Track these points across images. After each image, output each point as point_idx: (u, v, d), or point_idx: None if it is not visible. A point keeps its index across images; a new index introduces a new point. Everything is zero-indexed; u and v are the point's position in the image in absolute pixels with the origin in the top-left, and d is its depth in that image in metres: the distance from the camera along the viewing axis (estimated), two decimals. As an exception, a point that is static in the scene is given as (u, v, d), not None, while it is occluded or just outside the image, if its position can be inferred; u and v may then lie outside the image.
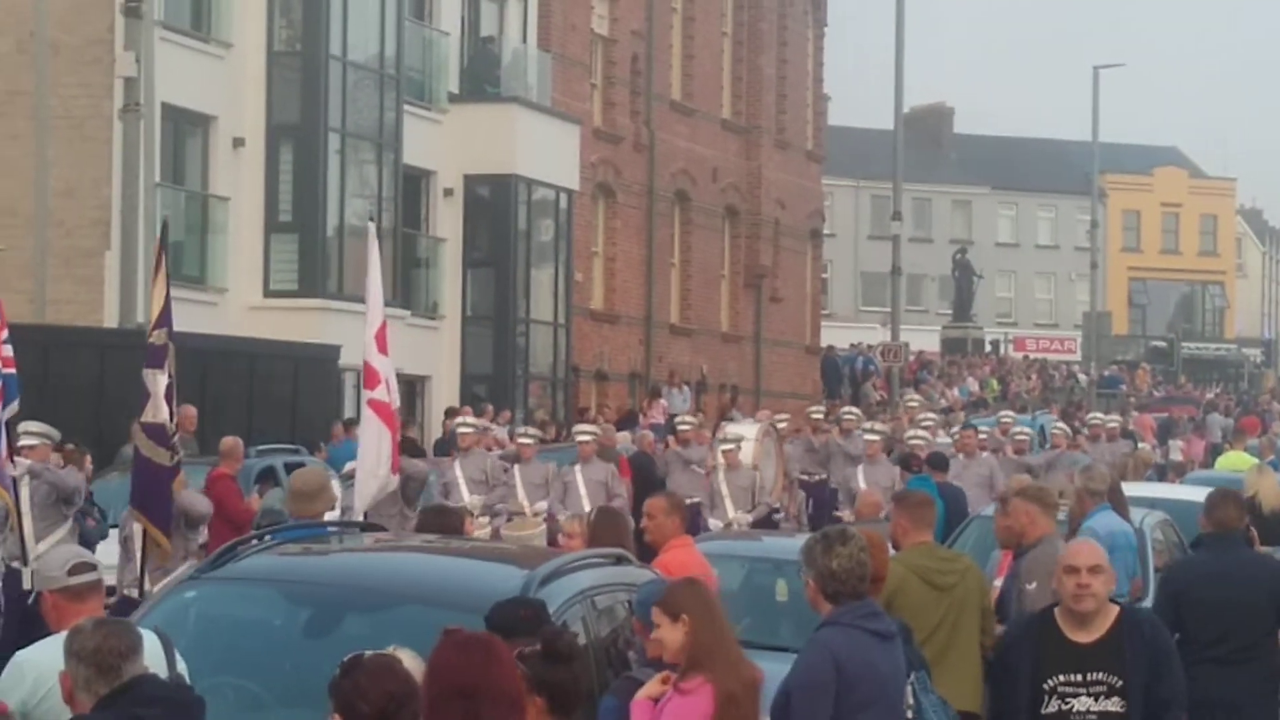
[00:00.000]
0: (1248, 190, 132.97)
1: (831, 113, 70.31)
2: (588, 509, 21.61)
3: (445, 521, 15.13)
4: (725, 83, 58.83)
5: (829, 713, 9.62)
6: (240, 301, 37.09)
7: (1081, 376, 73.29)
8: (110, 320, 32.76)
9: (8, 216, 34.17)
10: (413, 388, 42.76)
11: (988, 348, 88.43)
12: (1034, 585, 13.13)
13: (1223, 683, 12.87)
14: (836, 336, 72.95)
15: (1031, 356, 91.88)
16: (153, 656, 8.57)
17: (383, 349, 18.17)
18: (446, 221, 44.33)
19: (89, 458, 24.09)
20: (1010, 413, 41.08)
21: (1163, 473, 39.54)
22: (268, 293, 37.66)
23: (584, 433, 27.47)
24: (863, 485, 25.04)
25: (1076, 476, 17.27)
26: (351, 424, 34.35)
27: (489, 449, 31.66)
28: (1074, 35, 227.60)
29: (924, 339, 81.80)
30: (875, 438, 27.80)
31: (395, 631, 8.67)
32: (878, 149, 76.69)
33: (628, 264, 52.22)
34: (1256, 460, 31.07)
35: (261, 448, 27.32)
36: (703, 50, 56.80)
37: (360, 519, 17.12)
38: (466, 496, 25.12)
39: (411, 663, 7.34)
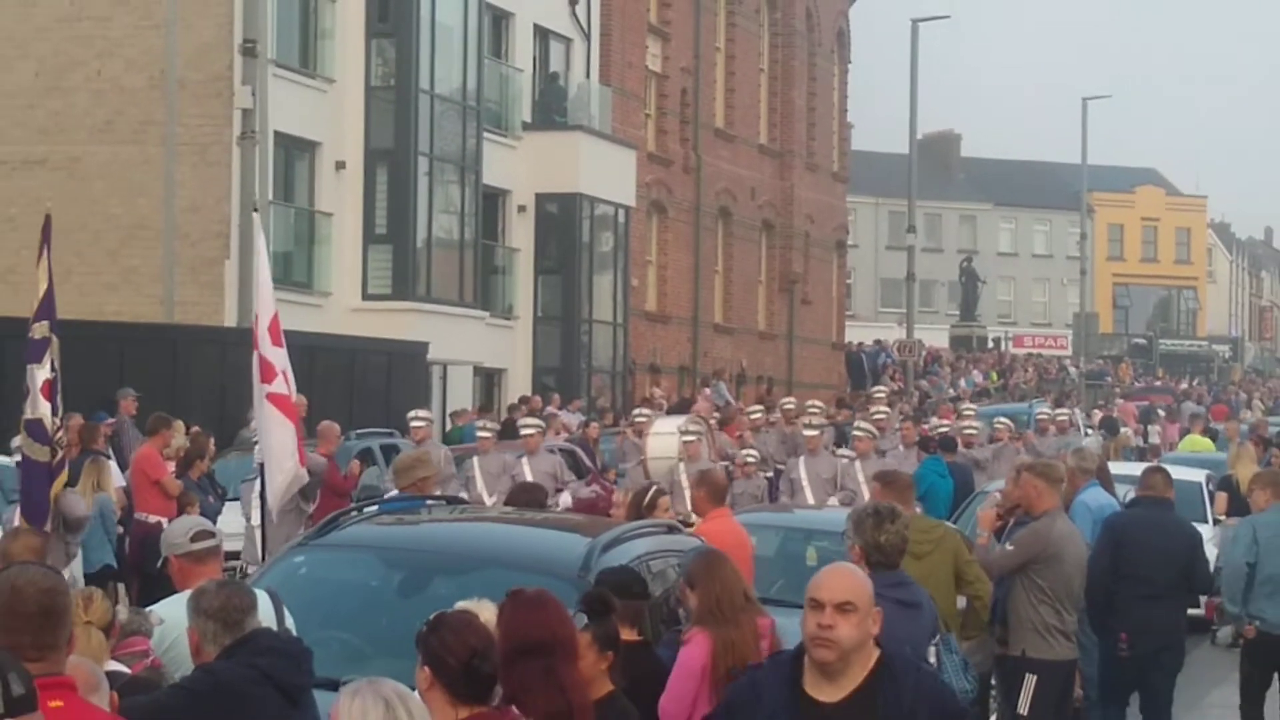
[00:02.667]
0: (1217, 206, 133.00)
1: (854, 139, 70.20)
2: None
3: (531, 497, 15.29)
4: (762, 113, 58.80)
5: None
6: (342, 304, 37.14)
7: (1072, 369, 72.95)
8: (230, 320, 32.82)
9: (142, 230, 34.30)
10: (491, 379, 42.82)
11: (990, 344, 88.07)
12: (1011, 548, 13.15)
13: (1153, 611, 13.87)
14: (859, 334, 72.78)
15: (1029, 352, 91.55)
16: (265, 613, 8.60)
17: (277, 341, 15.57)
18: (520, 234, 44.33)
19: (212, 440, 24.13)
20: (972, 407, 38.84)
21: (1143, 454, 39.42)
22: (365, 296, 37.69)
23: (529, 425, 24.94)
24: (804, 476, 23.68)
25: (1069, 457, 17.20)
26: (460, 414, 34.55)
27: (557, 433, 31.63)
28: (1066, 70, 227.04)
29: (935, 336, 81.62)
30: (814, 432, 25.37)
31: (476, 591, 8.63)
32: (894, 170, 76.48)
33: (677, 271, 52.21)
34: (1211, 444, 31.12)
35: (360, 431, 27.37)
36: (742, 84, 56.78)
37: (272, 517, 16.00)
38: (484, 493, 23.03)
39: (491, 615, 7.36)
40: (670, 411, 34.66)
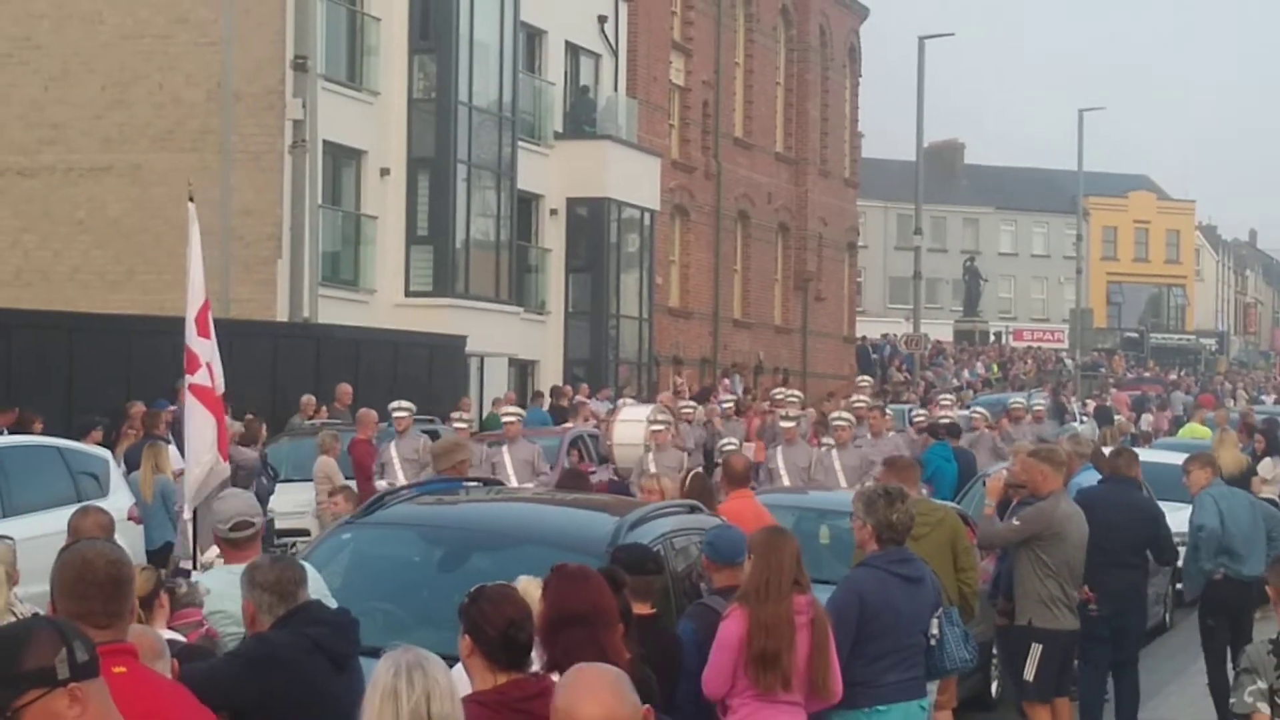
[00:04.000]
0: (1205, 210, 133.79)
1: (864, 147, 70.10)
2: (515, 486, 19.32)
3: (578, 483, 15.46)
4: (778, 123, 58.75)
5: (851, 638, 9.75)
6: (386, 300, 37.16)
7: (1068, 361, 72.85)
8: (281, 315, 32.87)
9: (201, 232, 34.27)
10: (525, 370, 42.85)
11: (992, 338, 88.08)
12: (1018, 524, 13.22)
13: (1122, 577, 14.10)
14: (869, 328, 72.77)
15: (1028, 345, 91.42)
16: (317, 586, 8.62)
17: (204, 332, 14.68)
18: (552, 235, 44.36)
19: (264, 426, 24.21)
20: (949, 396, 37.36)
21: (1135, 440, 39.33)
22: (408, 293, 37.70)
23: (510, 414, 23.81)
24: (781, 465, 22.62)
25: (1065, 442, 17.22)
26: (498, 402, 34.51)
27: (586, 420, 31.51)
28: (1063, 83, 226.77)
29: (940, 331, 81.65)
30: (791, 424, 24.20)
31: (512, 566, 8.66)
32: (902, 176, 76.37)
33: (699, 270, 52.20)
34: (1208, 432, 31.01)
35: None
36: (760, 96, 56.74)
37: (190, 512, 14.73)
38: (399, 472, 21.97)
39: (534, 589, 7.37)
40: (696, 399, 34.70)
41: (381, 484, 21.51)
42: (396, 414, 23.21)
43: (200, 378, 14.14)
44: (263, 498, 20.10)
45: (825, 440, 25.17)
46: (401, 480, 20.95)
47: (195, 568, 13.41)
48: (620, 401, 30.97)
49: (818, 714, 9.59)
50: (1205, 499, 15.23)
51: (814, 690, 9.25)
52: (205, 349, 14.27)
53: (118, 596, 5.53)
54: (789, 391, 33.07)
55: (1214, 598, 15.12)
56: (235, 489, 20.44)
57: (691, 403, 34.49)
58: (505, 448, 22.14)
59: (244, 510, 9.57)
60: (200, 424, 14.20)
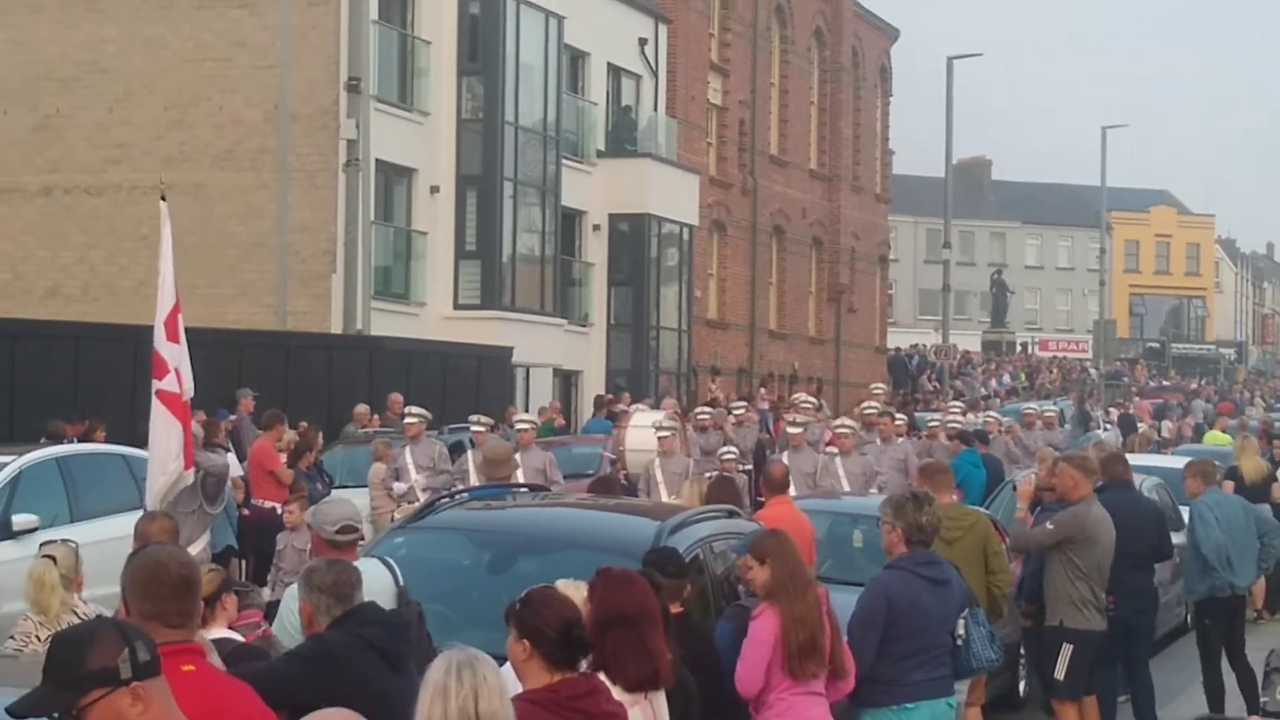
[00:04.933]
0: (1224, 224, 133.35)
1: (895, 164, 70.00)
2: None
3: (607, 488, 15.51)
4: (812, 141, 58.70)
5: (878, 638, 9.73)
6: (435, 313, 37.21)
7: (1092, 371, 72.59)
8: (336, 327, 32.95)
9: (258, 248, 34.44)
10: (569, 380, 42.86)
11: (1018, 348, 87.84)
12: (1051, 528, 13.17)
13: (1135, 576, 14.11)
14: (900, 339, 72.69)
15: (1053, 355, 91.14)
16: (384, 580, 8.61)
17: (173, 336, 13.27)
18: (595, 250, 44.36)
19: (320, 434, 24.22)
20: (959, 404, 36.16)
21: (1159, 447, 39.14)
22: (456, 306, 37.74)
23: (523, 422, 22.62)
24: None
25: (1090, 449, 17.11)
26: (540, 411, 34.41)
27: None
28: (1087, 102, 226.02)
29: (968, 341, 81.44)
30: (797, 430, 23.35)
31: (558, 569, 8.64)
32: (932, 192, 76.22)
33: (736, 283, 52.16)
34: (1229, 439, 30.86)
35: (451, 426, 27.41)
36: (794, 115, 56.69)
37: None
38: (414, 476, 21.57)
39: (577, 593, 7.35)
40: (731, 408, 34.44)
41: (399, 486, 21.48)
42: (408, 420, 22.59)
43: (168, 383, 12.97)
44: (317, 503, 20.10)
45: (829, 449, 24.42)
46: (417, 484, 20.96)
47: None
48: (632, 407, 30.49)
49: (847, 713, 9.58)
50: (1203, 510, 15.32)
51: (834, 673, 9.23)
52: (174, 354, 13.05)
53: (188, 597, 5.56)
54: (805, 397, 32.45)
55: (1209, 607, 15.40)
56: (339, 495, 20.35)
57: (742, 402, 34.26)
58: (518, 455, 20.93)
59: (350, 515, 9.58)
60: (165, 430, 13.06)
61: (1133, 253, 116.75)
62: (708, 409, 30.64)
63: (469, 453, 21.91)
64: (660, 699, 7.55)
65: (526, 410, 34.57)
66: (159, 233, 14.88)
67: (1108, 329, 69.19)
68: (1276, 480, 23.45)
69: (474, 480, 21.18)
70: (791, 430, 23.56)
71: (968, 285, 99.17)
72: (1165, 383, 77.83)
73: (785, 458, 21.96)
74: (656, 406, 35.47)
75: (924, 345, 70.19)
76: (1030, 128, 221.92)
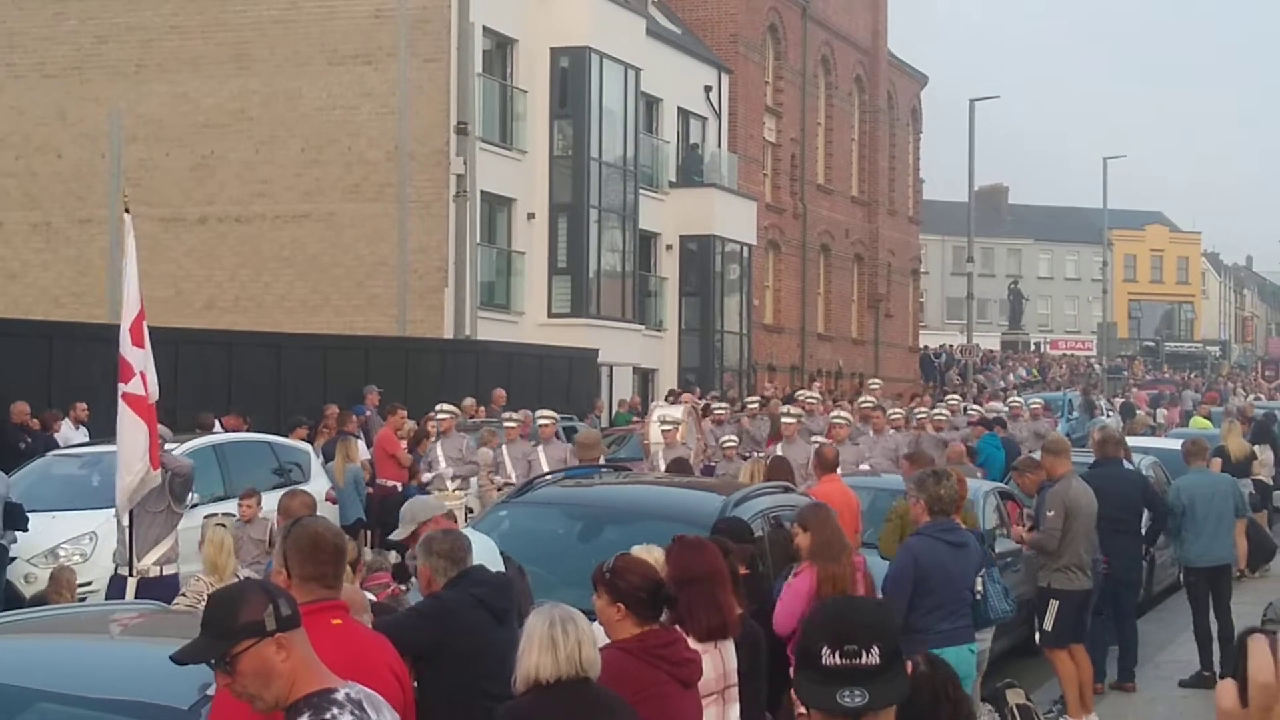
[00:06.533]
0: (1210, 240, 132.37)
1: (925, 190, 69.67)
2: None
3: (681, 467, 15.46)
4: (854, 171, 58.49)
5: (908, 593, 9.88)
6: (532, 320, 37.30)
7: (1096, 366, 71.98)
8: (448, 334, 33.05)
9: (381, 266, 34.62)
10: (646, 377, 42.85)
11: (1032, 347, 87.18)
12: (1052, 513, 13.12)
13: (1123, 541, 14.10)
14: (930, 340, 72.26)
15: (1062, 353, 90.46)
16: (489, 552, 8.63)
17: (138, 341, 11.64)
18: (668, 266, 44.37)
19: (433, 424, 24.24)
20: (956, 397, 34.49)
21: (1154, 431, 38.77)
22: (550, 315, 37.82)
23: (545, 418, 20.98)
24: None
25: (1095, 433, 17.00)
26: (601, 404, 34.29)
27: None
28: (1091, 136, 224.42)
29: (989, 341, 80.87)
30: (792, 420, 21.65)
31: (638, 537, 8.64)
32: (957, 214, 75.80)
33: (789, 293, 52.04)
34: (1210, 424, 30.56)
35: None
36: (838, 150, 56.52)
37: (122, 519, 12.24)
38: (442, 466, 20.52)
39: (658, 556, 7.36)
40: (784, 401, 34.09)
41: (426, 475, 20.71)
42: (440, 416, 21.27)
43: (134, 386, 11.54)
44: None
45: (816, 438, 22.14)
46: (446, 475, 20.24)
47: (131, 574, 12.02)
48: (654, 404, 29.34)
49: None
50: (1185, 489, 15.27)
51: None
52: (139, 358, 11.57)
53: (340, 562, 5.62)
54: (809, 393, 31.10)
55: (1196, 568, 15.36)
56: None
57: (816, 394, 33.12)
58: (541, 447, 20.18)
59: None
60: (132, 432, 11.65)
61: (1130, 265, 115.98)
62: (722, 405, 29.32)
63: (438, 442, 20.92)
64: (729, 647, 7.56)
65: (610, 403, 34.65)
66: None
67: (1109, 330, 68.80)
68: (1256, 459, 23.26)
69: (442, 465, 20.45)
70: (786, 421, 21.98)
71: (988, 294, 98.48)
72: (1160, 376, 77.11)
73: (779, 449, 20.67)
74: (723, 396, 35.33)
75: (951, 345, 69.75)
76: (1041, 158, 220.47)
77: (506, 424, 21.48)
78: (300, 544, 5.58)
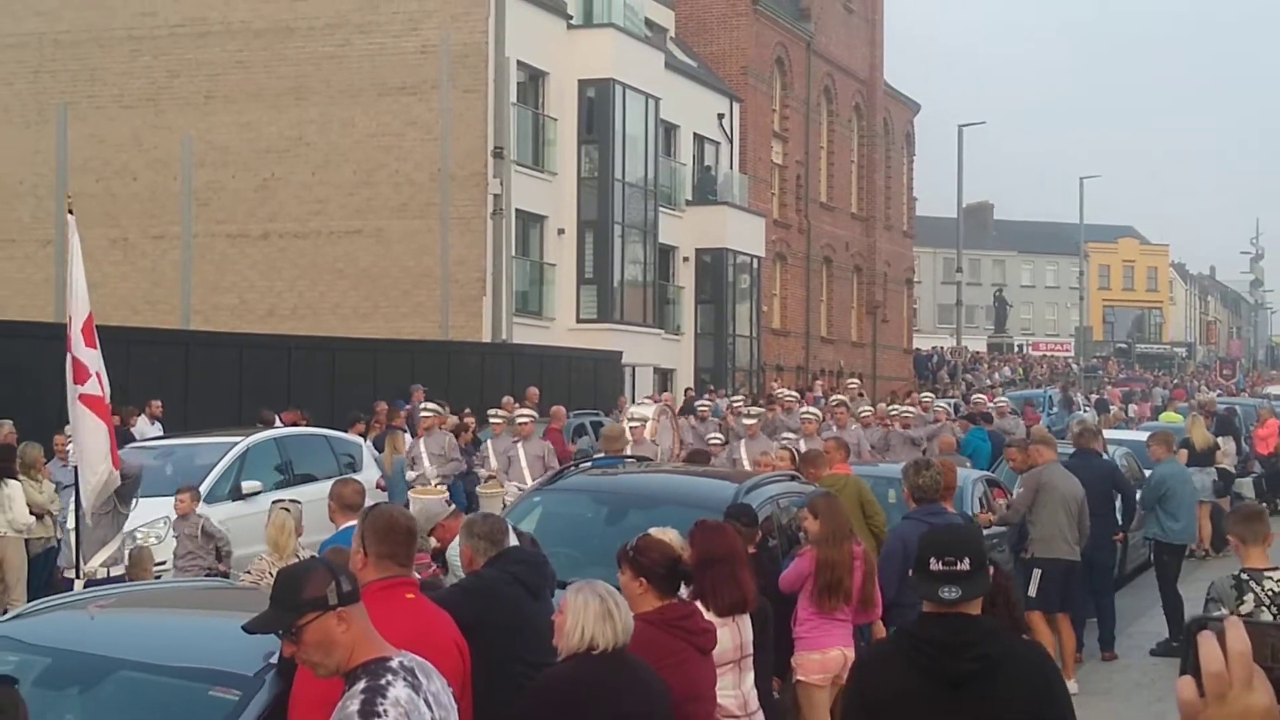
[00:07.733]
0: (1177, 252, 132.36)
1: (918, 207, 69.53)
2: (529, 478, 17.53)
3: (699, 458, 15.39)
4: (853, 190, 58.40)
5: (899, 572, 9.87)
6: (562, 325, 37.33)
7: (1074, 366, 71.72)
8: (486, 338, 33.10)
9: (426, 277, 34.67)
10: (665, 377, 42.84)
11: (1016, 349, 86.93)
12: (1021, 490, 13.49)
13: (1096, 524, 13.90)
14: (923, 342, 72.10)
15: (1043, 354, 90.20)
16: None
17: (90, 342, 10.70)
18: (684, 277, 44.34)
19: (475, 424, 24.25)
20: (929, 395, 33.40)
21: (1125, 424, 38.61)
22: (578, 320, 37.85)
23: (524, 415, 19.63)
24: (744, 456, 19.06)
25: (1074, 425, 17.00)
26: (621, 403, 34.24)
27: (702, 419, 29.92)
28: (1069, 157, 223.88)
29: (976, 344, 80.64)
30: (753, 420, 20.67)
31: (659, 521, 8.62)
32: (947, 229, 75.67)
33: (794, 301, 51.97)
34: (1179, 418, 30.44)
35: (576, 412, 27.45)
36: (839, 171, 56.44)
37: (86, 519, 11.20)
38: (426, 464, 19.40)
39: (674, 537, 7.36)
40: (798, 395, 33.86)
41: (411, 475, 19.54)
42: (423, 414, 20.27)
43: (90, 387, 10.61)
44: (475, 472, 20.11)
45: (787, 434, 21.69)
46: (429, 471, 19.20)
47: (78, 576, 11.25)
48: (630, 406, 28.77)
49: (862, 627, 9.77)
50: (1161, 473, 15.55)
51: (862, 607, 9.39)
52: (92, 359, 10.64)
53: (411, 543, 5.66)
54: (788, 391, 30.02)
55: (1167, 546, 15.56)
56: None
57: (795, 393, 32.94)
58: (520, 444, 18.97)
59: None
60: (92, 433, 10.75)
61: (1105, 274, 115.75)
62: (706, 402, 28.83)
63: (421, 440, 19.88)
64: (746, 621, 7.59)
65: (633, 400, 34.63)
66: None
67: (1086, 333, 68.33)
68: (1219, 449, 23.16)
69: (425, 463, 19.54)
70: (746, 421, 20.89)
71: (975, 301, 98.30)
72: (1132, 374, 76.85)
73: (742, 445, 19.99)
74: (735, 392, 35.29)
75: (942, 347, 69.58)
76: (1024, 178, 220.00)
77: (492, 420, 20.36)
78: (377, 526, 5.61)
